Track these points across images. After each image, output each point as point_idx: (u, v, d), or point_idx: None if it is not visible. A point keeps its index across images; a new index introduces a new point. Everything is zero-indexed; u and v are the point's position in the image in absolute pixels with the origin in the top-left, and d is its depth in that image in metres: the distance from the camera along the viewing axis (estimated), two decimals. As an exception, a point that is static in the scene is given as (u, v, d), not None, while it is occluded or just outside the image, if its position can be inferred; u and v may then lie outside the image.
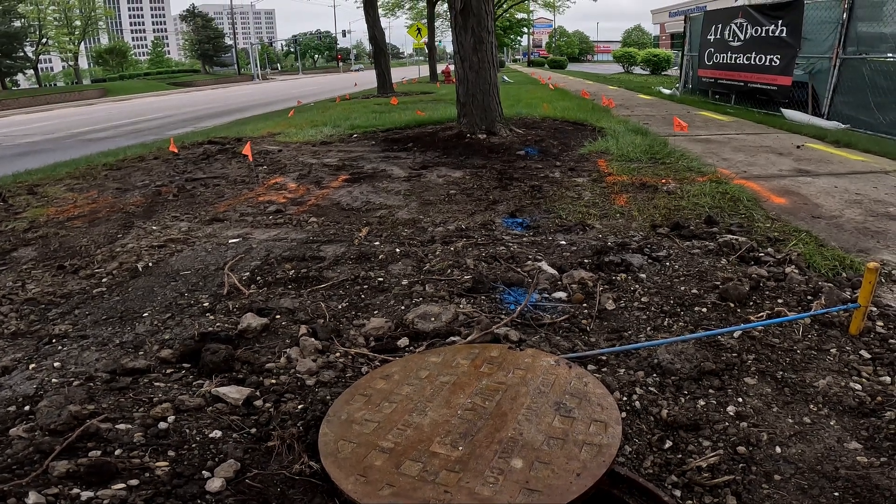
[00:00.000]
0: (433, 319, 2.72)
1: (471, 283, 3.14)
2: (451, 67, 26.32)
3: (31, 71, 55.31)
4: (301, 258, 3.69)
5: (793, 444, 1.88)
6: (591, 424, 1.81)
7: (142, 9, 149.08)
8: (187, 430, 1.99)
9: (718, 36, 12.80)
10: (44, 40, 52.71)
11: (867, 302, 2.43)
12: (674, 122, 8.78)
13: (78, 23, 55.93)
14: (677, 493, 1.71)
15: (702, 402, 2.11)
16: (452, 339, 2.59)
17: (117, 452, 1.87)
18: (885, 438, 1.88)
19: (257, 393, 2.22)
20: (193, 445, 1.91)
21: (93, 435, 1.94)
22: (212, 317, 2.90)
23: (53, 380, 2.33)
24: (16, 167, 8.15)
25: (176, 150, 8.19)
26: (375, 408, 1.95)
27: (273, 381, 2.30)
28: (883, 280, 3.07)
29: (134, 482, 1.73)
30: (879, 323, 2.60)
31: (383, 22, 23.96)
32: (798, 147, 7.24)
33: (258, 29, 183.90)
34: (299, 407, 2.12)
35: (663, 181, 5.34)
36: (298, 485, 1.75)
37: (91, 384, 2.29)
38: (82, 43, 62.68)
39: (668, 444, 1.91)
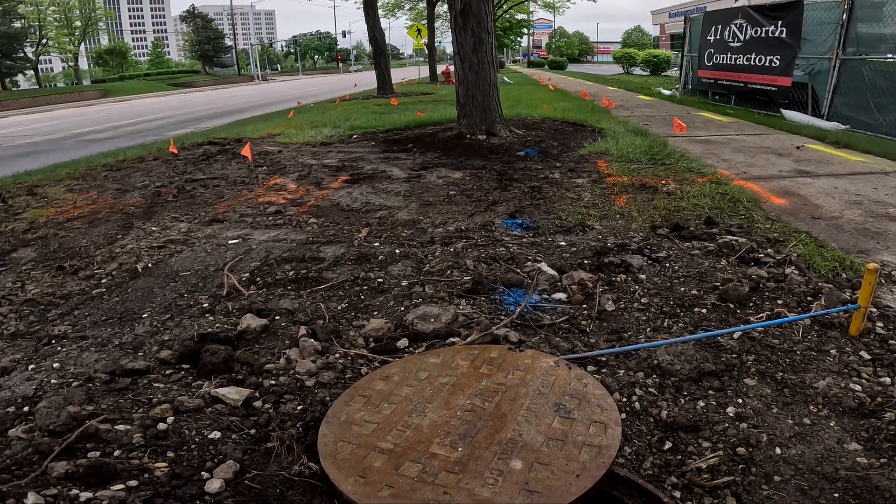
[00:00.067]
0: (433, 320, 2.72)
1: (470, 284, 3.14)
2: (451, 68, 26.33)
3: (32, 72, 55.33)
4: (301, 259, 3.69)
5: (793, 446, 1.88)
6: (590, 425, 1.81)
7: (142, 9, 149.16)
8: (186, 431, 1.98)
9: (718, 37, 12.80)
10: (44, 41, 52.72)
11: (867, 303, 2.43)
12: (673, 122, 8.79)
13: (78, 23, 55.94)
14: (677, 494, 1.71)
15: (701, 404, 2.11)
16: (452, 340, 2.59)
17: (116, 453, 1.86)
18: (885, 439, 1.88)
19: (257, 394, 2.21)
20: (192, 446, 1.91)
21: (92, 436, 1.93)
22: (211, 318, 2.90)
23: (52, 381, 2.33)
24: (15, 168, 8.15)
25: (176, 151, 8.19)
26: (375, 409, 1.95)
27: (272, 382, 2.30)
28: (883, 281, 3.07)
29: (133, 483, 1.73)
30: (879, 324, 2.60)
31: (383, 23, 23.98)
32: (798, 148, 7.24)
33: (258, 30, 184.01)
34: (299, 408, 2.12)
35: (663, 182, 5.34)
36: (298, 486, 1.75)
37: (90, 385, 2.29)
38: (82, 43, 62.71)
39: (668, 445, 1.91)
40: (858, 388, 2.16)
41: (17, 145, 13.62)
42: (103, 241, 4.27)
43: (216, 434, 1.97)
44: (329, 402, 2.11)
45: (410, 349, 2.55)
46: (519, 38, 58.92)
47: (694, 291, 3.01)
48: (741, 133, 8.64)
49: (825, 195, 4.92)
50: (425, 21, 31.04)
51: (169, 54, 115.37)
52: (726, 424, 1.98)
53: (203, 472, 1.79)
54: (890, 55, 8.19)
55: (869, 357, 2.36)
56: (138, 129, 15.56)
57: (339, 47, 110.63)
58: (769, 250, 3.53)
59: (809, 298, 2.86)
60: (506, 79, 27.78)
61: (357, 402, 2.00)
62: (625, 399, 2.14)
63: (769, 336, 2.54)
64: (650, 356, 2.39)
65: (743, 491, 1.70)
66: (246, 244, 4.05)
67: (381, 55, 20.32)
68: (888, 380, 2.20)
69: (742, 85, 11.96)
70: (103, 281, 3.47)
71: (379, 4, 25.04)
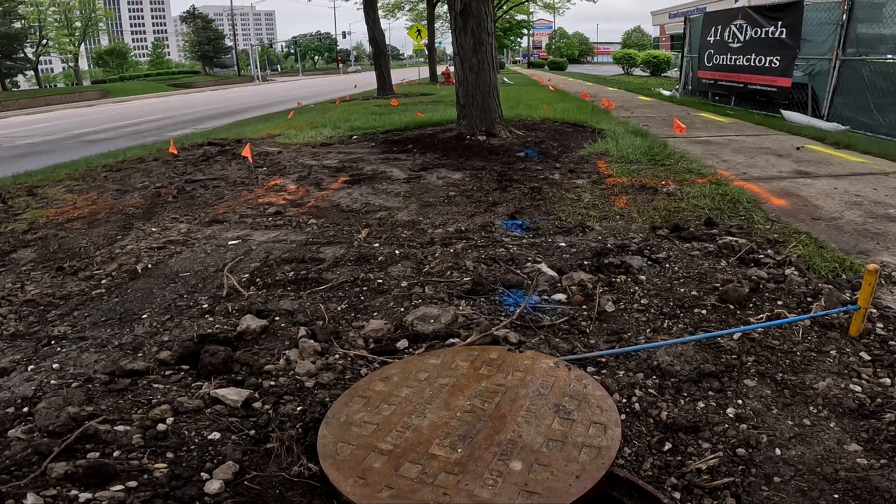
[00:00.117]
0: (432, 321, 2.72)
1: (470, 285, 3.14)
2: (451, 69, 26.34)
3: (32, 72, 55.33)
4: (300, 260, 3.69)
5: (792, 446, 1.88)
6: (590, 426, 1.80)
7: (142, 10, 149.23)
8: (186, 432, 1.98)
9: (718, 37, 12.81)
10: (44, 41, 52.73)
11: (867, 304, 2.43)
12: (673, 123, 8.79)
13: (78, 24, 55.96)
14: (677, 495, 1.71)
15: (701, 404, 2.11)
16: (452, 340, 2.59)
17: (116, 454, 1.86)
18: (885, 440, 1.88)
19: (256, 395, 2.21)
20: (192, 447, 1.91)
21: (91, 436, 1.93)
22: (211, 318, 2.90)
23: (52, 381, 2.33)
24: (15, 168, 8.16)
25: (176, 152, 8.19)
26: (374, 410, 1.95)
27: (272, 382, 2.30)
28: (883, 282, 3.07)
29: (132, 484, 1.72)
30: (879, 325, 2.60)
31: (383, 23, 23.97)
32: (798, 148, 7.24)
33: (258, 30, 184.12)
34: (298, 409, 2.12)
35: (663, 183, 5.33)
36: (297, 487, 1.74)
37: (90, 386, 2.29)
38: (82, 44, 62.74)
39: (668, 446, 1.91)
40: (858, 388, 2.16)
41: (17, 146, 13.62)
42: (103, 241, 4.27)
43: (216, 435, 1.97)
44: (329, 403, 2.11)
45: (410, 350, 2.55)
46: (519, 39, 58.99)
47: (694, 292, 3.01)
48: (741, 134, 8.64)
49: (825, 196, 4.92)
50: (425, 22, 31.06)
51: (169, 55, 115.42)
52: (726, 425, 1.98)
53: (202, 473, 1.79)
54: (890, 56, 8.20)
55: (869, 358, 2.36)
56: (138, 130, 15.57)
57: (339, 48, 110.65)
58: (769, 251, 3.53)
59: (809, 299, 2.86)
60: (506, 79, 27.79)
61: (357, 403, 2.00)
62: (625, 400, 2.14)
63: (769, 337, 2.53)
64: (650, 357, 2.39)
65: (743, 492, 1.70)
66: (246, 245, 4.05)
67: (381, 56, 20.33)
68: (888, 381, 2.20)
69: (742, 86, 11.97)
70: (103, 282, 3.47)
71: (379, 5, 25.05)
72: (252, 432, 2.00)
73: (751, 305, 2.85)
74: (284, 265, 3.60)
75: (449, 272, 3.38)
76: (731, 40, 12.23)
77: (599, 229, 4.11)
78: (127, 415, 2.09)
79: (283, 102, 23.30)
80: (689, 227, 3.99)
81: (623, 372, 2.32)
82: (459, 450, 1.72)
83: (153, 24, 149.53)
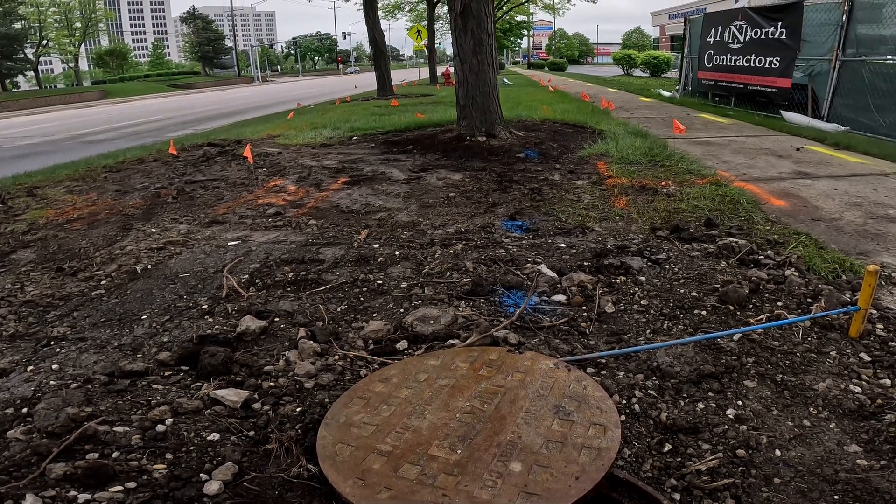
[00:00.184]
0: (432, 322, 2.72)
1: (470, 286, 3.14)
2: (451, 70, 26.36)
3: (32, 73, 55.38)
4: (300, 261, 3.68)
5: (792, 448, 1.87)
6: (590, 428, 1.80)
7: (142, 11, 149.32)
8: (185, 433, 1.98)
9: (718, 38, 12.81)
10: (44, 42, 52.77)
11: (867, 305, 2.43)
12: (673, 124, 8.79)
13: (78, 24, 56.01)
14: (677, 496, 1.70)
15: (701, 405, 2.10)
16: (451, 341, 2.59)
17: (115, 455, 1.86)
18: (885, 441, 1.88)
19: (255, 396, 2.21)
20: (191, 448, 1.91)
21: (90, 437, 1.93)
22: (210, 319, 2.90)
23: (51, 382, 2.33)
24: (15, 169, 8.16)
25: (175, 153, 8.19)
26: (374, 411, 1.95)
27: (271, 383, 2.30)
28: (883, 283, 3.07)
29: (131, 485, 1.72)
30: (879, 326, 2.60)
31: (383, 24, 24.00)
32: (798, 149, 7.24)
33: (258, 31, 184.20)
34: (297, 410, 2.12)
35: (663, 184, 5.33)
36: (296, 488, 1.74)
37: (89, 386, 2.28)
38: (82, 45, 62.76)
39: (668, 447, 1.91)
40: (858, 389, 2.16)
41: (17, 146, 13.62)
42: (103, 242, 4.26)
43: (215, 436, 1.97)
44: (328, 403, 2.11)
45: (410, 351, 2.55)
46: (519, 40, 59.03)
47: (694, 293, 3.00)
48: (741, 134, 8.64)
49: (825, 197, 4.91)
50: (425, 22, 31.08)
51: (169, 55, 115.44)
52: (726, 426, 1.98)
53: (202, 474, 1.78)
54: (890, 56, 8.19)
55: (869, 359, 2.36)
56: (138, 131, 15.57)
57: (339, 49, 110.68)
58: (769, 252, 3.53)
59: (809, 300, 2.85)
60: (506, 80, 27.80)
61: (356, 403, 2.00)
62: (624, 401, 2.14)
63: (769, 338, 2.53)
64: (650, 358, 2.39)
65: (743, 493, 1.70)
66: (245, 246, 4.05)
67: (381, 57, 20.33)
68: (888, 382, 2.20)
69: (742, 86, 11.97)
70: (102, 282, 3.47)
71: (379, 6, 25.07)
72: (251, 433, 2.00)
73: (751, 306, 2.84)
74: (284, 266, 3.60)
75: (449, 273, 3.38)
76: (730, 41, 12.24)
77: (599, 230, 4.11)
78: (126, 416, 2.08)
79: (282, 103, 23.31)
80: (688, 228, 3.99)
81: (623, 373, 2.32)
82: (459, 451, 1.72)
83: (153, 25, 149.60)
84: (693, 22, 14.97)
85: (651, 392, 2.19)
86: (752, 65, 11.48)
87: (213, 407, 2.13)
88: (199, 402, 2.14)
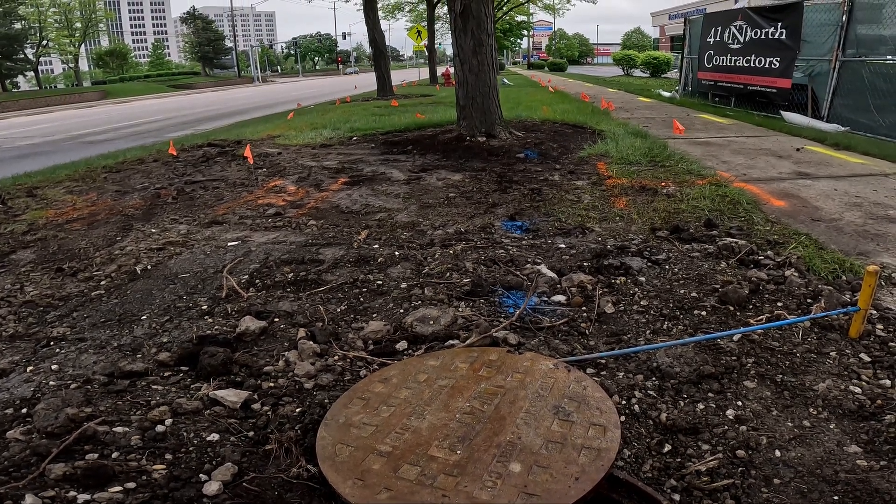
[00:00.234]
0: (432, 323, 2.72)
1: (470, 287, 3.14)
2: (451, 70, 26.35)
3: (32, 73, 55.41)
4: (300, 261, 3.68)
5: (792, 448, 1.87)
6: (589, 428, 1.80)
7: (142, 11, 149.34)
8: (185, 434, 1.98)
9: (718, 38, 12.82)
10: (44, 42, 52.80)
11: (867, 305, 2.42)
12: (673, 124, 8.79)
13: (78, 25, 56.04)
14: (676, 497, 1.70)
15: (701, 406, 2.10)
16: (451, 342, 2.58)
17: (114, 455, 1.86)
18: (885, 442, 1.88)
19: (255, 396, 2.21)
20: (191, 448, 1.91)
21: (90, 438, 1.93)
22: (210, 320, 2.90)
23: (51, 382, 2.33)
24: (15, 169, 8.16)
25: (175, 153, 8.19)
26: (373, 411, 1.95)
27: (271, 384, 2.30)
28: (883, 283, 3.07)
29: (131, 485, 1.72)
30: (879, 326, 2.59)
31: (383, 24, 24.04)
32: (798, 150, 7.24)
33: (258, 31, 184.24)
34: (297, 410, 2.12)
35: (663, 184, 5.33)
36: (296, 488, 1.74)
37: (88, 387, 2.28)
38: (83, 45, 62.80)
39: (668, 447, 1.90)
40: (858, 390, 2.16)
41: (17, 147, 13.63)
42: (102, 242, 4.26)
43: (214, 436, 1.97)
44: (328, 404, 2.10)
45: (409, 351, 2.55)
46: (519, 40, 59.06)
47: (693, 294, 3.00)
48: (741, 135, 8.64)
49: (825, 197, 4.91)
50: (425, 23, 31.08)
51: (169, 56, 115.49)
52: (726, 427, 1.98)
53: (201, 475, 1.78)
54: (889, 57, 8.19)
55: (869, 359, 2.36)
56: (138, 131, 15.57)
57: (339, 49, 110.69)
58: (769, 252, 3.53)
59: (809, 301, 2.85)
60: (506, 80, 27.80)
61: (356, 404, 2.00)
62: (624, 401, 2.14)
63: (769, 338, 2.53)
64: (650, 359, 2.39)
65: (742, 494, 1.70)
66: (245, 246, 4.05)
67: (381, 57, 20.34)
68: (888, 382, 2.20)
69: (742, 87, 11.97)
70: (102, 283, 3.47)
71: (379, 6, 25.07)
72: (251, 434, 2.00)
73: (750, 307, 2.84)
74: (284, 266, 3.59)
75: (448, 273, 3.38)
76: (730, 41, 12.24)
77: (599, 231, 4.10)
78: (126, 416, 2.08)
79: (283, 103, 23.32)
80: (688, 229, 3.99)
81: (623, 373, 2.32)
82: (459, 451, 1.72)
83: (153, 25, 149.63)
84: (693, 22, 14.97)
85: (651, 393, 2.19)
86: (752, 65, 11.48)
87: (213, 407, 2.13)
88: (198, 402, 2.14)
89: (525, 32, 52.47)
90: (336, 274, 3.44)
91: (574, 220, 4.35)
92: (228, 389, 2.23)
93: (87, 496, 1.68)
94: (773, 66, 10.79)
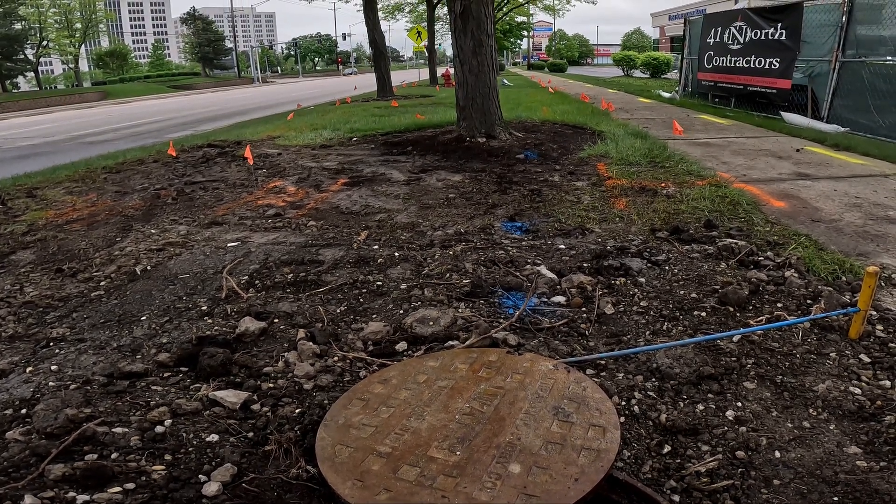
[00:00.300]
0: (432, 324, 2.72)
1: (469, 288, 3.13)
2: (451, 71, 26.36)
3: (32, 73, 55.44)
4: (300, 262, 3.68)
5: (792, 449, 1.87)
6: (589, 429, 1.80)
7: (142, 11, 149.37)
8: (184, 434, 1.98)
9: (718, 39, 12.82)
10: (44, 43, 52.83)
11: (867, 306, 2.42)
12: (673, 125, 8.80)
13: (78, 25, 56.06)
14: (676, 498, 1.70)
15: (701, 407, 2.10)
16: (451, 343, 2.58)
17: (114, 456, 1.86)
18: (885, 443, 1.88)
19: (255, 397, 2.21)
20: (190, 449, 1.91)
21: (89, 438, 1.93)
22: (210, 320, 2.90)
23: (50, 383, 2.33)
24: (15, 170, 8.16)
25: (175, 154, 8.19)
26: (373, 412, 1.95)
27: (271, 385, 2.30)
28: (883, 284, 3.07)
29: (130, 486, 1.72)
30: (879, 327, 2.59)
31: (383, 25, 24.05)
32: (797, 150, 7.24)
33: (258, 32, 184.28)
34: (297, 411, 2.11)
35: (663, 185, 5.34)
36: (295, 489, 1.74)
37: (88, 387, 2.28)
38: (83, 45, 62.82)
39: (667, 448, 1.90)
40: (858, 391, 2.16)
41: (17, 147, 13.63)
42: (102, 243, 4.26)
43: (214, 437, 1.97)
44: (327, 405, 2.10)
45: (409, 352, 2.55)
46: (519, 41, 59.11)
47: (693, 295, 3.00)
48: (741, 136, 8.64)
49: (825, 198, 4.91)
50: (425, 23, 31.09)
51: (169, 56, 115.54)
52: (725, 428, 1.97)
53: (200, 475, 1.78)
54: (889, 57, 8.19)
55: (869, 360, 2.36)
56: (138, 132, 15.57)
57: (339, 50, 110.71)
58: (769, 253, 3.53)
59: (809, 301, 2.85)
60: (506, 81, 27.81)
61: (355, 405, 2.00)
62: (624, 402, 2.14)
63: (769, 339, 2.53)
64: (649, 360, 2.38)
65: (742, 494, 1.70)
66: (245, 247, 4.05)
67: (381, 58, 20.35)
68: (888, 383, 2.20)
69: (742, 87, 11.97)
70: (102, 283, 3.46)
71: (379, 7, 25.09)
72: (250, 434, 2.00)
73: (750, 308, 2.84)
74: (284, 267, 3.59)
75: (448, 274, 3.37)
76: (730, 42, 12.24)
77: (599, 231, 4.10)
78: (125, 417, 2.08)
79: (282, 104, 23.33)
80: (688, 230, 3.99)
81: (622, 374, 2.32)
82: (458, 452, 1.72)
83: (153, 26, 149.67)
84: (693, 23, 14.97)
85: (650, 393, 2.19)
86: (751, 66, 11.48)
87: (213, 408, 2.13)
88: (198, 403, 2.14)
89: (525, 33, 52.54)
90: (336, 275, 3.44)
91: (574, 221, 4.35)
92: (228, 390, 2.23)
93: (86, 497, 1.67)
94: (772, 66, 10.79)
